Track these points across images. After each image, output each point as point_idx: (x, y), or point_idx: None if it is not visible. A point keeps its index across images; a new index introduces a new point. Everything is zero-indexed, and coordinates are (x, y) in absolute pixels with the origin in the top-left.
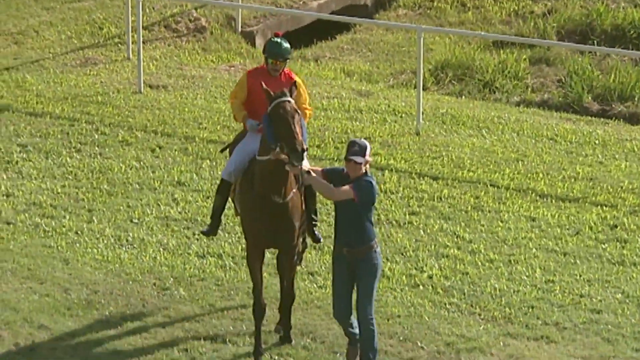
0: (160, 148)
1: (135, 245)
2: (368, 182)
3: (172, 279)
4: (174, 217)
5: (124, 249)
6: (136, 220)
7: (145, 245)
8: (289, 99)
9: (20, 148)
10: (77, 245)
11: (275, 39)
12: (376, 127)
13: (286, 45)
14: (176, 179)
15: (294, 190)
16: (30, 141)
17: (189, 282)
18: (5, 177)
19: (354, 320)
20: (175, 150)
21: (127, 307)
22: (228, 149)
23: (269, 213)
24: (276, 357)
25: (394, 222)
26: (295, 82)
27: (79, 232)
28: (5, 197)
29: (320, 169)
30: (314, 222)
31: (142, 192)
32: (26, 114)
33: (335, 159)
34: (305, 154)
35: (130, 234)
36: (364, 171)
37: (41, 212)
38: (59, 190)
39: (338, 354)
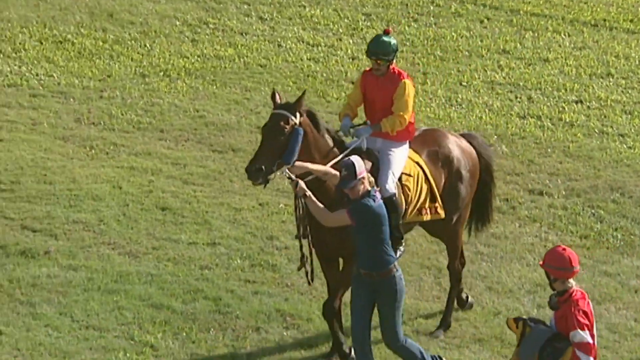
0: (488, 19)
1: (463, 106)
2: (363, 205)
3: (495, 136)
4: (498, 82)
5: (453, 108)
6: (465, 84)
7: (472, 106)
8: (283, 111)
9: (365, 17)
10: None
11: (379, 36)
12: None
13: (387, 42)
14: (501, 47)
15: None
16: (374, 11)
17: (510, 140)
18: (351, 42)
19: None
20: (502, 21)
21: None
22: None
23: (320, 228)
24: (588, 210)
25: None
26: (403, 81)
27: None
28: (350, 60)
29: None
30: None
31: (471, 59)
32: None
33: None
34: (280, 175)
35: (460, 96)
36: (366, 189)
37: None
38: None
39: None
